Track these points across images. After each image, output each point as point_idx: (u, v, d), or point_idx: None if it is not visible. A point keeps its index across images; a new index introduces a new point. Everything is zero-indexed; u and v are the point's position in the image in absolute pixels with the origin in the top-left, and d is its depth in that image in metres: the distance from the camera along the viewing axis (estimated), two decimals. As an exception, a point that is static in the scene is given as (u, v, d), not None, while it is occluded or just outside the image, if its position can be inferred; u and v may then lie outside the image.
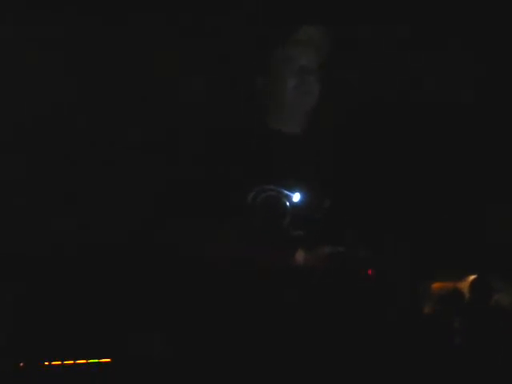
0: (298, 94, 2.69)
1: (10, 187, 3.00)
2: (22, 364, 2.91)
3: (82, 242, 3.02)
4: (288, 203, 2.58)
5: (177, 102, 3.09)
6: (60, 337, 2.98)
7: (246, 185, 2.57)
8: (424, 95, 3.15)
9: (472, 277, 2.72)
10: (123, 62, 3.14)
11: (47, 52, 3.07)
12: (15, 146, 3.05)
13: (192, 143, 2.77)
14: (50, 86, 3.07)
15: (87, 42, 3.08)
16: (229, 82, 2.94)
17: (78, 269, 3.04)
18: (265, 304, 2.55)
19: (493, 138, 3.11)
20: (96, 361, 2.95)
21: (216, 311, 2.58)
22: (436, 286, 2.77)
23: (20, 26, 3.03)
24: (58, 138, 3.10)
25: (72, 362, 2.94)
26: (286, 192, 2.59)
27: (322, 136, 2.77)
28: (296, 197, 2.60)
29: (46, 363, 2.92)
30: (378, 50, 3.13)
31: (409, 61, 3.14)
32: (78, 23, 3.07)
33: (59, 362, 2.93)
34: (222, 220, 2.56)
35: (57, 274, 3.04)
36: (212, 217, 2.57)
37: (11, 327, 2.93)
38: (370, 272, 2.64)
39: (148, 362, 2.81)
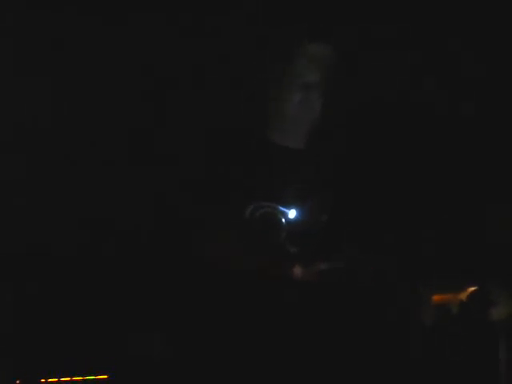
0: (301, 109, 2.70)
1: (10, 187, 3.01)
2: (18, 381, 2.89)
3: (79, 245, 3.02)
4: (284, 220, 2.59)
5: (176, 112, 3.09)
6: (56, 353, 2.96)
7: (244, 198, 2.58)
8: (424, 99, 3.14)
9: (471, 288, 2.74)
10: (122, 61, 3.13)
11: (47, 52, 3.07)
12: (15, 145, 3.05)
13: (192, 152, 2.78)
14: (49, 86, 3.07)
15: (87, 42, 3.08)
16: (228, 95, 2.94)
17: (76, 278, 3.02)
18: (260, 317, 2.56)
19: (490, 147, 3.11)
20: (93, 377, 2.93)
21: (211, 319, 2.58)
22: (436, 297, 2.79)
23: (20, 26, 3.03)
24: (58, 139, 3.10)
25: (69, 378, 2.92)
26: (282, 208, 2.59)
27: (320, 152, 2.78)
28: (292, 213, 2.61)
29: (43, 380, 2.90)
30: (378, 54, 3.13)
31: (409, 61, 3.14)
32: (78, 23, 3.07)
33: (56, 379, 2.91)
34: (220, 229, 2.58)
35: (54, 287, 3.02)
36: (211, 225, 2.58)
37: (8, 343, 2.91)
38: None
39: (145, 377, 2.80)
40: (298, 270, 2.58)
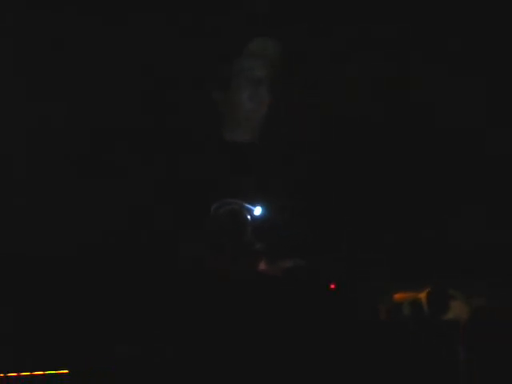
0: (252, 104, 2.71)
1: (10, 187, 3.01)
2: None
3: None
4: (249, 216, 2.60)
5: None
6: (16, 348, 2.93)
7: (208, 197, 2.59)
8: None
9: (430, 288, 2.77)
10: (122, 61, 3.14)
11: (47, 52, 3.07)
12: (15, 145, 3.05)
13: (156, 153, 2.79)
14: (49, 85, 3.07)
15: (87, 42, 3.08)
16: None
17: (40, 276, 3.00)
18: (226, 313, 2.57)
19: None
20: (53, 372, 2.89)
21: (175, 319, 2.59)
22: (398, 296, 2.82)
23: (20, 26, 3.04)
24: (56, 138, 3.10)
25: (28, 373, 2.88)
26: (248, 205, 2.60)
27: (281, 146, 2.79)
28: (257, 210, 2.61)
29: (1, 375, 2.85)
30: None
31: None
32: (78, 23, 3.07)
33: (15, 374, 2.87)
34: (186, 230, 2.59)
35: (15, 281, 3.00)
36: (177, 227, 2.60)
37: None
38: (332, 286, 2.67)
39: (106, 373, 2.79)
40: (263, 267, 2.59)
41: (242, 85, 2.70)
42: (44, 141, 3.07)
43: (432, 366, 2.76)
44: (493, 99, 3.15)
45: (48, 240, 3.00)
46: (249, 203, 2.60)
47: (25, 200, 3.04)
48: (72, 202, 3.04)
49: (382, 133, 3.10)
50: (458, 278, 2.84)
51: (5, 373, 2.86)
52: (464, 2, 3.12)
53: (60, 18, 3.05)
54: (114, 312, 2.78)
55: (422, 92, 3.15)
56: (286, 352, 2.60)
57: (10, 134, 3.02)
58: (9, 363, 2.88)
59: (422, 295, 2.77)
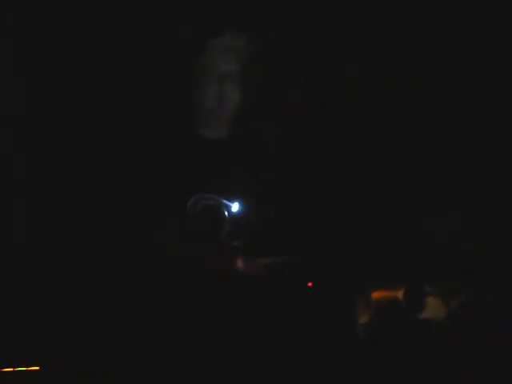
0: (217, 100, 2.71)
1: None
2: None
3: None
4: (226, 212, 2.58)
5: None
6: None
7: (184, 192, 2.58)
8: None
9: (407, 284, 2.78)
10: (123, 61, 3.14)
11: (47, 51, 3.07)
12: (15, 145, 3.05)
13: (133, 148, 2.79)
14: (50, 86, 3.07)
15: (87, 42, 3.08)
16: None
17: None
18: (201, 309, 2.56)
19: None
20: (24, 369, 2.89)
21: (151, 314, 2.59)
22: (376, 294, 2.82)
23: (20, 26, 3.04)
24: (56, 139, 3.10)
25: None
26: (225, 201, 2.59)
27: (261, 142, 2.79)
28: (235, 206, 2.60)
29: None
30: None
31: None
32: (78, 23, 3.07)
33: None
34: (162, 225, 2.58)
35: None
36: (153, 222, 2.59)
37: None
38: (309, 284, 2.67)
39: (77, 369, 2.78)
40: (240, 264, 2.59)
41: (207, 82, 2.69)
42: (43, 141, 3.08)
43: (409, 361, 2.76)
44: (492, 99, 3.15)
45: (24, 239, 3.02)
46: (226, 199, 2.58)
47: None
48: (61, 201, 3.05)
49: (381, 133, 3.10)
50: (430, 275, 2.85)
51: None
52: (464, 2, 3.12)
53: (60, 18, 3.05)
54: (90, 312, 2.78)
55: (421, 92, 3.14)
56: (267, 347, 2.60)
57: (9, 133, 3.02)
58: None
59: (400, 293, 2.78)
